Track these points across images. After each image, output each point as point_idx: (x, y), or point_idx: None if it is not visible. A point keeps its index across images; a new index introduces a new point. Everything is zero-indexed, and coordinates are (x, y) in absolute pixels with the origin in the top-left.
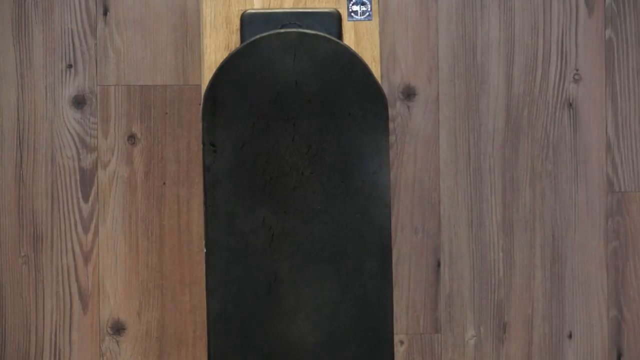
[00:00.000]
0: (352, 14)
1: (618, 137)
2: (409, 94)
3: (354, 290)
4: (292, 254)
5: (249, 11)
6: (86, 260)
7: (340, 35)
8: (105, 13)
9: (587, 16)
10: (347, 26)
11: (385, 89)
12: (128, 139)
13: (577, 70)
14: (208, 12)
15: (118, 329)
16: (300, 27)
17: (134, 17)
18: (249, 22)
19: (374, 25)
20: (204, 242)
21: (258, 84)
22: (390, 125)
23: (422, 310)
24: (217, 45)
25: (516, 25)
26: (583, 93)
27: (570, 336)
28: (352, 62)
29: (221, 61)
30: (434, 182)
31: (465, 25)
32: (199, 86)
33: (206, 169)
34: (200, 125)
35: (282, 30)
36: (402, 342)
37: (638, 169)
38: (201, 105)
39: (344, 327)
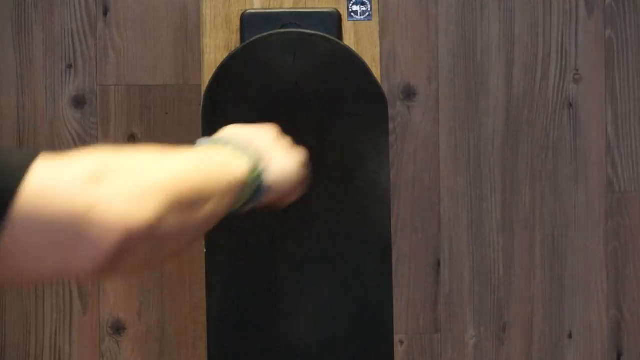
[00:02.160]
0: (352, 14)
1: (618, 137)
2: (409, 94)
3: (354, 290)
4: (292, 254)
5: (249, 11)
6: None
7: (340, 35)
8: (105, 13)
9: (587, 16)
10: (347, 26)
11: (385, 89)
12: (128, 139)
13: (577, 70)
14: (208, 12)
15: (118, 329)
16: (300, 27)
17: (134, 17)
18: (249, 22)
19: (374, 25)
20: (204, 242)
21: (258, 84)
22: (390, 125)
23: (422, 310)
24: (217, 45)
25: (516, 25)
26: (583, 93)
27: (570, 336)
28: (352, 62)
29: (221, 61)
30: (434, 182)
31: (465, 25)
32: (199, 86)
33: None
34: (200, 125)
35: (282, 30)
36: (402, 342)
37: (638, 169)
38: (201, 105)
39: (344, 327)
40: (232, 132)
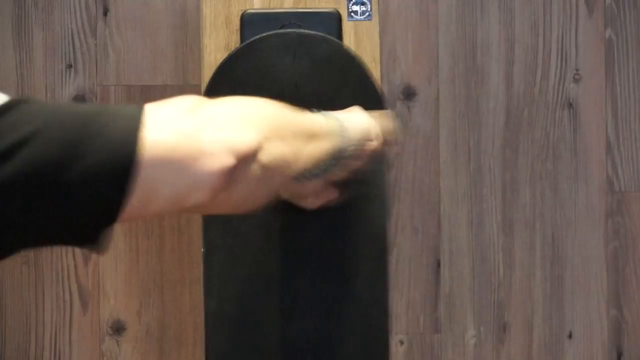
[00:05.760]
0: (352, 14)
1: (618, 137)
2: (409, 94)
3: (352, 290)
4: (291, 254)
5: (249, 11)
6: (86, 260)
7: (340, 35)
8: (105, 13)
9: (587, 16)
10: (347, 26)
11: (385, 89)
12: None
13: (577, 70)
14: (208, 12)
15: (118, 329)
16: (300, 27)
17: (134, 17)
18: (249, 22)
19: (374, 25)
20: (202, 242)
21: (258, 84)
22: None
23: (422, 310)
24: (217, 45)
25: (516, 25)
26: (583, 93)
27: (570, 336)
28: (352, 62)
29: (221, 61)
30: (434, 182)
31: (465, 25)
32: (199, 86)
33: None
34: None
35: (282, 30)
36: (402, 342)
37: (638, 169)
38: None
39: (342, 327)
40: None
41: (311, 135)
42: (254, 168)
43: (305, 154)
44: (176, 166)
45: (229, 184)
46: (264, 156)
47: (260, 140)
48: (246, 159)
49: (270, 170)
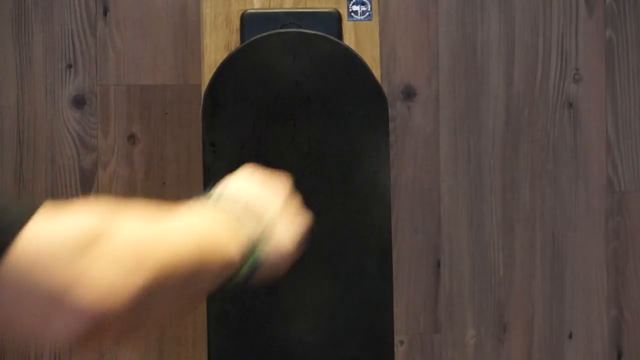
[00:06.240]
0: (352, 14)
1: (618, 137)
2: (409, 94)
3: (354, 290)
4: None
5: (249, 11)
6: None
7: (340, 35)
8: (105, 13)
9: (587, 16)
10: (347, 26)
11: (385, 89)
12: (128, 139)
13: (577, 70)
14: (208, 12)
15: None
16: (300, 27)
17: (134, 17)
18: (249, 22)
19: (374, 25)
20: None
21: (258, 84)
22: (390, 125)
23: (422, 310)
24: (217, 45)
25: (516, 25)
26: (583, 93)
27: (570, 336)
28: (352, 62)
29: (221, 61)
30: (434, 182)
31: (465, 25)
32: (199, 86)
33: (206, 169)
34: (200, 125)
35: (282, 30)
36: (402, 342)
37: (638, 169)
38: (201, 105)
39: (344, 327)
40: (238, 191)
41: (214, 273)
42: (133, 316)
43: (208, 278)
44: (34, 301)
45: (95, 334)
46: (146, 305)
47: (143, 292)
48: (119, 313)
49: (154, 312)
